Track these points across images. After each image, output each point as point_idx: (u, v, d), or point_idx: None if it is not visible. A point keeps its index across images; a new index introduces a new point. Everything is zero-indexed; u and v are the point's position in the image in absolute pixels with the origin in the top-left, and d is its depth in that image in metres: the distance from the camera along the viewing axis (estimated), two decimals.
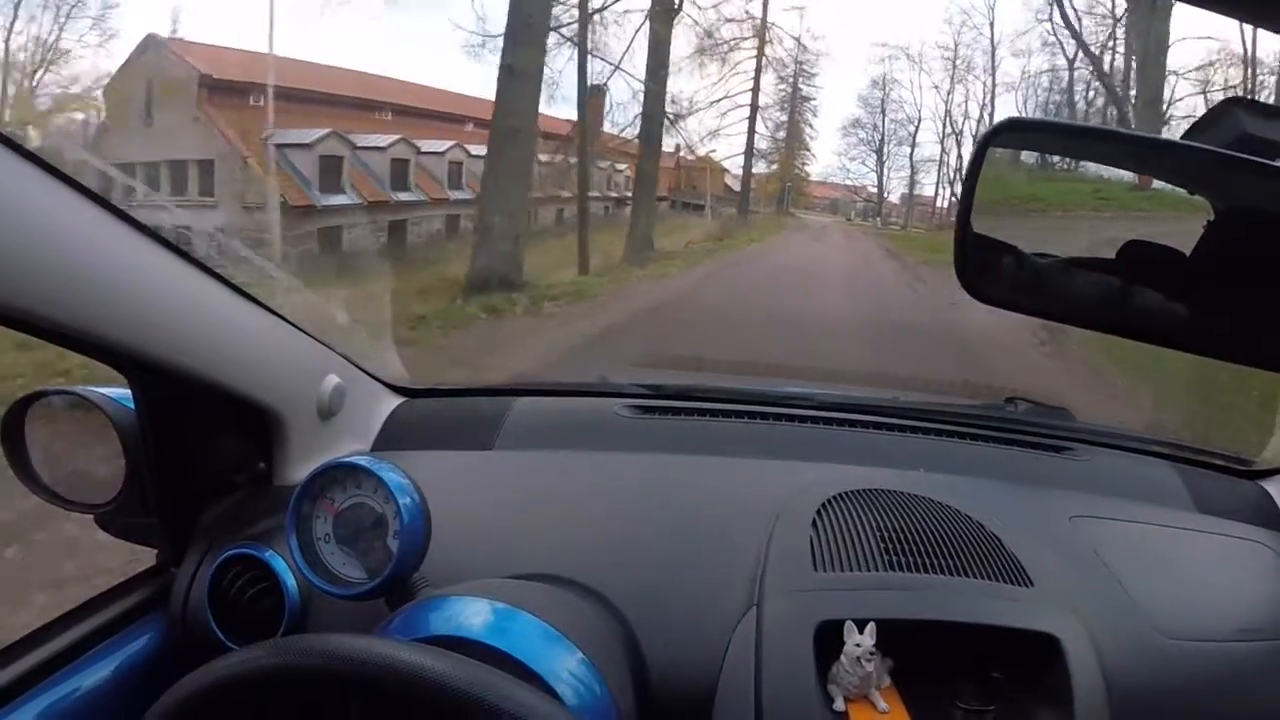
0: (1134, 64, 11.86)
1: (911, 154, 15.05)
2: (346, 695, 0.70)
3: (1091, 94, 12.92)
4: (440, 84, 12.02)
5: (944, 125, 14.50)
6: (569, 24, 11.03)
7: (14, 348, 3.73)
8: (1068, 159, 0.89)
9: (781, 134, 15.08)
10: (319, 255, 9.78)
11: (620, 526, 1.10)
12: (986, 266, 0.79)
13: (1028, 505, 1.18)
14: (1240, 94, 10.67)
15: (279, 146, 9.85)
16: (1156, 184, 0.83)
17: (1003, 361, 6.55)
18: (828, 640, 0.86)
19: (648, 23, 11.77)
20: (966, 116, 14.16)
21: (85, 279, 0.82)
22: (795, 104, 14.79)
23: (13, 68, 10.26)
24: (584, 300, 8.97)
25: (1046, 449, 1.38)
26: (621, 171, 13.23)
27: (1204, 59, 11.31)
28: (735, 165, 14.93)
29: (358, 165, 10.49)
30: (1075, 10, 12.22)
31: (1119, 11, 12.10)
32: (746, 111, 14.23)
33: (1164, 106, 11.28)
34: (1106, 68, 12.43)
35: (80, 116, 10.33)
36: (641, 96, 11.98)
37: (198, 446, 1.09)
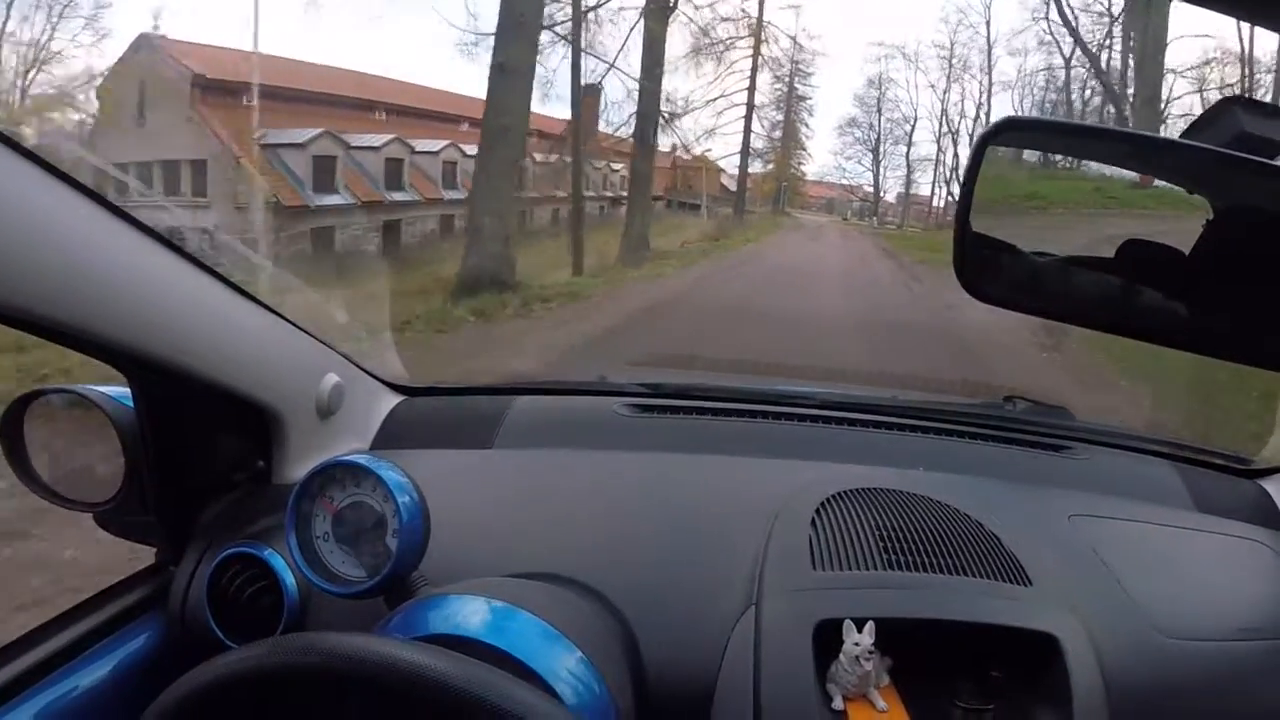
0: (1131, 62, 11.90)
1: (908, 153, 15.15)
2: (345, 694, 0.70)
3: (1088, 93, 12.99)
4: (435, 83, 12.04)
5: (940, 124, 14.59)
6: (563, 22, 11.04)
7: None
8: (1070, 157, 0.89)
9: (777, 133, 15.17)
10: (312, 255, 9.76)
11: (619, 525, 1.10)
12: (986, 265, 0.79)
13: (1027, 504, 1.18)
14: (1237, 92, 10.69)
15: (272, 146, 9.84)
16: (1158, 182, 0.83)
17: (1001, 360, 6.56)
18: (826, 639, 0.86)
19: (642, 21, 11.79)
20: (963, 116, 14.25)
21: (84, 277, 0.81)
22: (791, 103, 14.86)
23: (5, 67, 10.24)
24: (577, 301, 8.96)
25: (1046, 448, 1.38)
26: (617, 171, 13.24)
27: (1201, 57, 11.39)
28: (731, 165, 15.02)
29: (351, 165, 10.48)
30: (1072, 9, 12.28)
31: (1116, 10, 12.16)
32: (742, 111, 14.30)
33: (1162, 105, 11.32)
34: (1104, 66, 12.47)
35: (73, 116, 10.32)
36: (636, 95, 12.00)
37: (197, 445, 1.08)
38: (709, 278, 11.00)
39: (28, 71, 10.34)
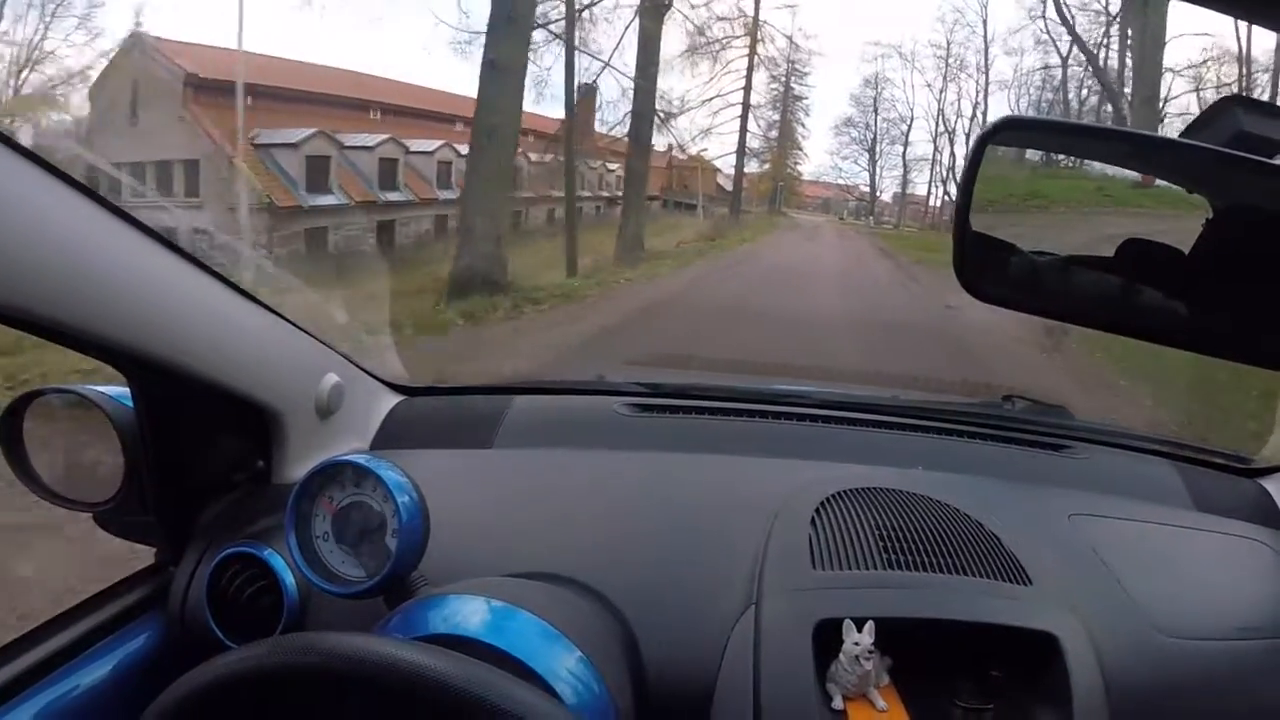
0: (1129, 61, 11.92)
1: (904, 153, 15.12)
2: (345, 694, 0.70)
3: (1085, 92, 13.00)
4: (430, 83, 12.00)
5: (937, 124, 14.56)
6: (556, 20, 11.01)
7: None
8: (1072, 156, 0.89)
9: (774, 133, 15.14)
10: (306, 256, 9.72)
11: (619, 525, 1.10)
12: (985, 265, 0.79)
13: (1026, 504, 1.18)
14: (1235, 91, 10.71)
15: (266, 146, 9.79)
16: (1160, 181, 0.83)
17: (999, 360, 6.57)
18: (826, 639, 0.86)
19: (638, 19, 11.76)
20: (959, 115, 14.23)
21: (84, 277, 0.81)
22: (787, 103, 14.84)
23: None
24: (570, 303, 8.90)
25: (1045, 447, 1.39)
26: (613, 171, 13.20)
27: (1198, 56, 11.40)
28: (727, 164, 14.98)
29: (345, 165, 10.43)
30: (1069, 7, 12.29)
31: (1114, 8, 12.18)
32: (738, 110, 14.27)
33: (1160, 104, 11.33)
34: (1101, 64, 12.49)
35: (66, 116, 10.27)
36: (632, 94, 11.98)
37: (197, 445, 1.08)
38: (705, 278, 10.97)
39: (20, 71, 10.30)
